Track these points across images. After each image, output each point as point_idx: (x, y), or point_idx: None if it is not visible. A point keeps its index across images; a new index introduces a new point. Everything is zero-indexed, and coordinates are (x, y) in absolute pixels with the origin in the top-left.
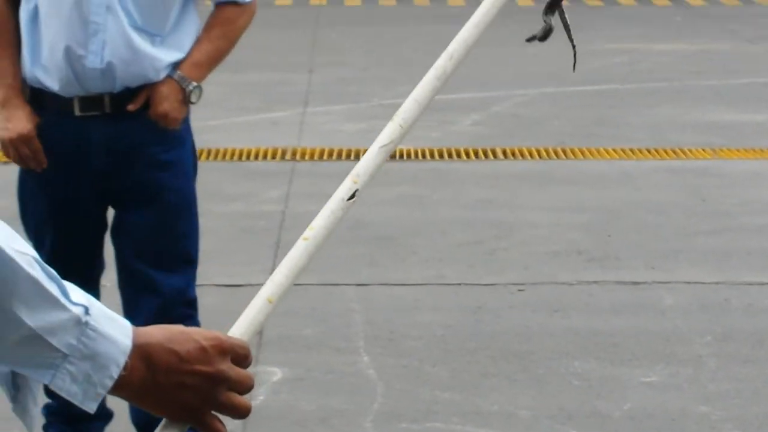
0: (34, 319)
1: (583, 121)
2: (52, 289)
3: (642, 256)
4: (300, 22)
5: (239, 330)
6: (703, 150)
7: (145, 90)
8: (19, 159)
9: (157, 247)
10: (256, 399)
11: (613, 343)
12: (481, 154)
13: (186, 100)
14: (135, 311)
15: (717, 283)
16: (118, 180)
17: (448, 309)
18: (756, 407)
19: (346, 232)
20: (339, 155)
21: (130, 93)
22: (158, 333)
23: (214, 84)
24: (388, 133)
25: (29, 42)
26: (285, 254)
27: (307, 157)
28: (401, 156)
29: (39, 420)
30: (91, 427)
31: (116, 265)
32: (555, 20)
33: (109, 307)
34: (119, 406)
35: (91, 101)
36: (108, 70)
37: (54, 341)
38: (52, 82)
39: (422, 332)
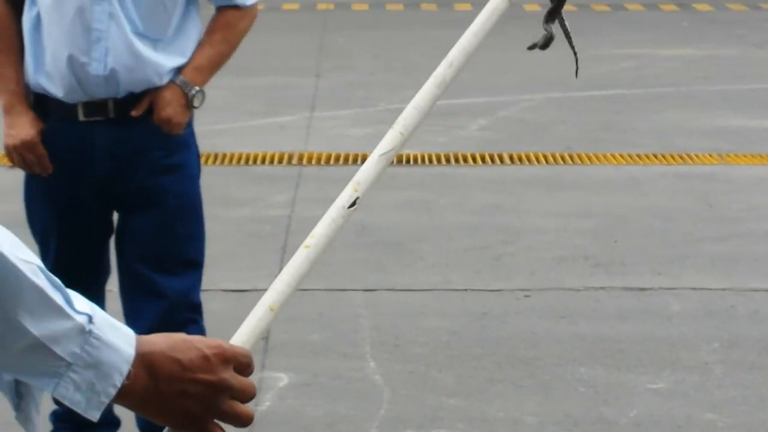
0: (38, 327)
1: (590, 126)
2: (57, 297)
3: (648, 261)
4: (307, 27)
5: (241, 338)
6: (710, 155)
7: (149, 95)
8: (23, 165)
9: (160, 250)
10: (262, 405)
11: (619, 350)
12: (487, 159)
13: (189, 105)
14: (138, 315)
15: (723, 289)
16: (122, 184)
17: (454, 315)
18: (762, 414)
19: (353, 237)
20: (346, 160)
21: (133, 98)
22: (161, 341)
23: (222, 88)
24: (388, 140)
25: (32, 49)
26: None
27: (313, 161)
28: (408, 161)
29: (41, 428)
30: None
31: (118, 269)
32: (556, 28)
33: (115, 312)
34: (126, 413)
35: (95, 106)
36: (111, 77)
37: (58, 350)
38: (56, 88)
39: (428, 338)
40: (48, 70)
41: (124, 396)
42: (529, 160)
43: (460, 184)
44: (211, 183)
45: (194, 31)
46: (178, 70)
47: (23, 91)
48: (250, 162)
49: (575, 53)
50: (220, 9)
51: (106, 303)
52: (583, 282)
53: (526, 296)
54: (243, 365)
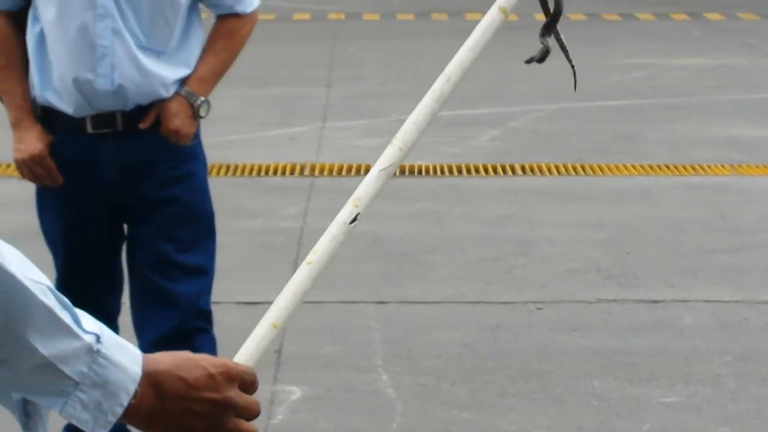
0: (47, 347)
1: (602, 136)
2: (65, 317)
3: (661, 273)
4: (318, 37)
5: (244, 355)
6: (723, 166)
7: (155, 108)
8: (33, 178)
9: (167, 257)
10: (275, 418)
11: (631, 363)
12: (499, 170)
13: (196, 115)
14: (148, 324)
15: (736, 301)
16: (131, 194)
17: (466, 327)
18: None
19: (365, 249)
20: (358, 170)
21: (141, 110)
22: (167, 360)
23: (233, 99)
24: (387, 156)
25: (37, 65)
26: None
27: (325, 172)
28: (419, 172)
29: None
30: None
31: (129, 279)
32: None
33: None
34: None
35: (103, 119)
36: (119, 92)
37: (66, 369)
38: (64, 105)
39: (441, 351)
40: (55, 87)
41: (130, 415)
42: (540, 170)
43: (471, 195)
44: (223, 194)
45: (197, 40)
46: (183, 81)
47: (30, 106)
48: (262, 173)
49: (573, 66)
50: (221, 17)
51: (122, 315)
52: (595, 294)
53: (538, 309)
54: (247, 383)
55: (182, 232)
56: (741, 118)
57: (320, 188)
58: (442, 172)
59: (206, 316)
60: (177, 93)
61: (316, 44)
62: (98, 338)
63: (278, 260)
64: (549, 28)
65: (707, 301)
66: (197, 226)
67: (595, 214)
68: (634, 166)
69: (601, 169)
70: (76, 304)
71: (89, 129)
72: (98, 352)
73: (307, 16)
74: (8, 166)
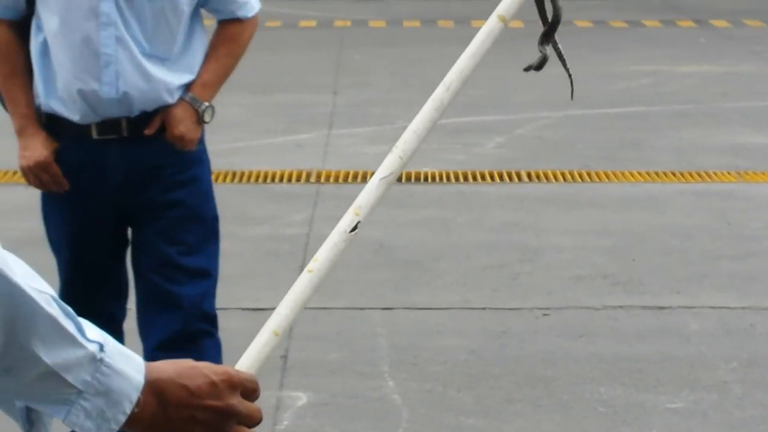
0: (51, 356)
1: (608, 143)
2: (69, 326)
3: (667, 280)
4: (324, 44)
5: (246, 363)
6: (729, 173)
7: (160, 114)
8: (39, 184)
9: (170, 259)
10: (280, 424)
11: (638, 369)
12: (505, 177)
13: (200, 120)
14: (152, 327)
15: (742, 308)
16: (136, 199)
17: (472, 334)
18: None
19: (371, 255)
20: (363, 178)
21: (146, 116)
22: (169, 368)
23: (239, 106)
24: (388, 164)
25: (42, 74)
26: None
27: (331, 179)
28: (425, 179)
29: None
30: None
31: (135, 284)
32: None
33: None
34: None
35: (108, 125)
36: (124, 99)
37: (70, 378)
38: (69, 112)
39: (447, 357)
40: (60, 95)
41: (133, 423)
42: (546, 177)
43: (477, 202)
44: (229, 201)
45: (200, 45)
46: (187, 87)
47: (34, 113)
48: (268, 180)
49: (570, 75)
50: (223, 22)
51: (127, 321)
52: (601, 301)
53: (544, 315)
54: (249, 391)
55: (186, 236)
56: (747, 125)
57: (326, 195)
58: (448, 179)
59: (210, 319)
60: (181, 99)
61: (322, 51)
62: (101, 347)
63: (284, 267)
64: (547, 36)
65: (713, 308)
66: (201, 229)
67: (601, 221)
68: (640, 173)
69: (608, 176)
70: (82, 310)
71: (94, 135)
72: (101, 360)
73: (313, 23)
74: (14, 173)
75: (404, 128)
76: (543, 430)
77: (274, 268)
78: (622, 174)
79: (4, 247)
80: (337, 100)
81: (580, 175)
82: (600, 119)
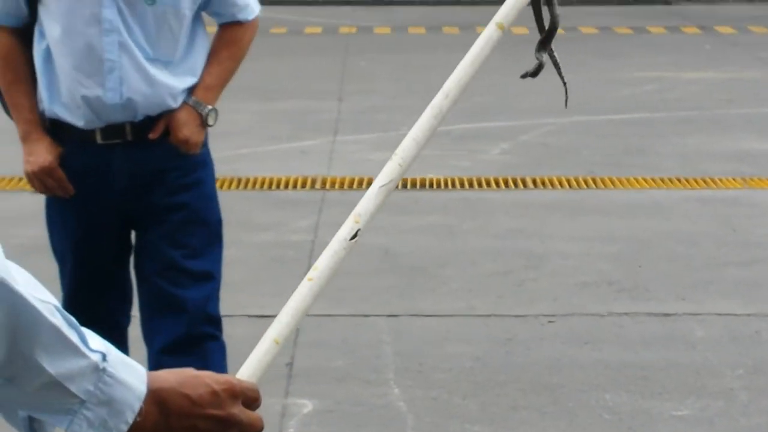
0: (54, 366)
1: (613, 150)
2: (72, 336)
3: (672, 287)
4: (330, 50)
5: (248, 372)
6: (734, 179)
7: (164, 118)
8: (45, 189)
9: (174, 262)
10: (286, 431)
11: (643, 376)
12: (510, 183)
13: (204, 124)
14: (157, 331)
15: (748, 315)
16: (140, 203)
17: (477, 341)
18: None
19: (376, 262)
20: (369, 184)
21: (150, 121)
22: (171, 377)
23: (245, 112)
24: (387, 172)
25: (45, 80)
26: None
27: (336, 186)
28: (431, 185)
29: None
30: None
31: (138, 288)
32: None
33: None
34: None
35: (113, 130)
36: (128, 105)
37: (72, 387)
38: (73, 118)
39: (452, 364)
40: (64, 101)
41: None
42: (551, 184)
43: (482, 209)
44: (234, 207)
45: (202, 48)
46: (191, 91)
47: (38, 119)
48: (273, 186)
49: (565, 83)
50: (224, 26)
51: (131, 328)
52: (606, 307)
53: (549, 322)
54: (251, 399)
55: (190, 239)
56: (752, 132)
57: (331, 202)
58: (453, 185)
59: (215, 322)
60: (185, 102)
61: (327, 58)
62: (104, 357)
63: (289, 273)
64: (544, 44)
65: (719, 315)
66: (205, 232)
67: (606, 228)
68: (645, 180)
69: (613, 183)
70: (86, 316)
71: (99, 140)
72: (104, 370)
73: (318, 29)
74: (20, 180)
75: None
76: None
77: (279, 274)
78: (627, 180)
79: (11, 254)
80: (342, 106)
81: (585, 182)
82: (605, 125)
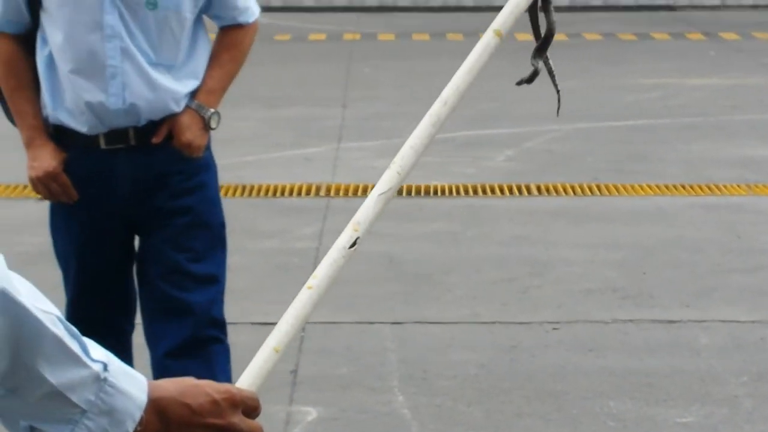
0: (56, 376)
1: (617, 156)
2: (74, 346)
3: (677, 293)
4: (333, 57)
5: (247, 380)
6: (738, 186)
7: (167, 122)
8: (49, 195)
9: (178, 266)
10: None
11: (648, 383)
12: (514, 190)
13: (206, 127)
14: (162, 335)
15: (752, 321)
16: (143, 207)
17: (482, 348)
18: None
19: (381, 269)
20: None
21: (153, 125)
22: (172, 387)
23: (249, 119)
24: (386, 180)
25: (48, 86)
26: None
27: (341, 193)
28: (435, 192)
29: None
30: None
31: (141, 293)
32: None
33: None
34: None
35: (116, 135)
36: (131, 110)
37: (74, 397)
38: (77, 124)
39: (456, 371)
40: (68, 107)
41: None
42: (556, 191)
43: (487, 216)
44: (239, 214)
45: (204, 51)
46: (193, 94)
47: (41, 125)
48: (278, 194)
49: (558, 91)
50: (224, 29)
51: (136, 334)
52: (611, 314)
53: (554, 329)
54: (251, 408)
55: (194, 242)
56: (757, 138)
57: (336, 209)
58: (458, 192)
59: (220, 325)
60: (187, 106)
61: (331, 65)
62: (105, 367)
63: (293, 281)
64: (540, 51)
65: (723, 321)
66: (208, 236)
67: (610, 235)
68: (649, 186)
69: (617, 189)
70: (90, 324)
71: (102, 145)
72: (105, 380)
73: (322, 36)
74: (24, 187)
75: None
76: None
77: (283, 282)
78: (632, 187)
79: (16, 262)
80: (346, 113)
81: (590, 188)
82: (609, 132)
